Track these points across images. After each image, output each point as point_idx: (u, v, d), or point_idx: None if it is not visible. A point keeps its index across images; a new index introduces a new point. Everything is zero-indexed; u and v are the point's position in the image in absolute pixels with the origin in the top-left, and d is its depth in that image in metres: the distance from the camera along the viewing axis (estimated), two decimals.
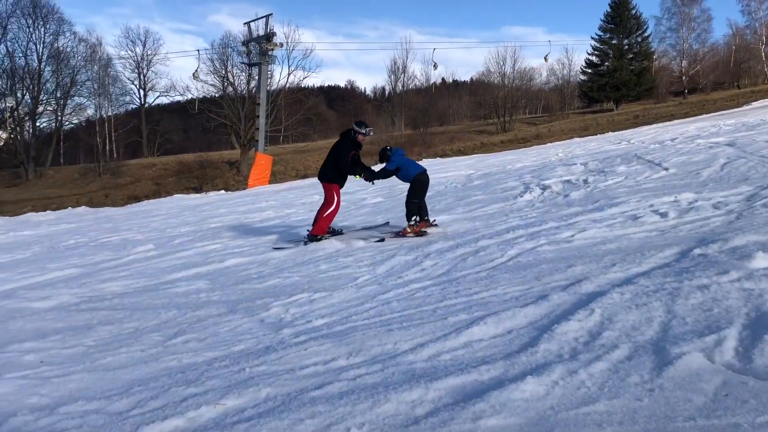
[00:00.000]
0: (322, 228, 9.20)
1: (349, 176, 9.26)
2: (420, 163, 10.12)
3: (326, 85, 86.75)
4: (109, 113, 57.90)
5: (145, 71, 67.20)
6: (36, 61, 52.92)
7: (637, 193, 9.48)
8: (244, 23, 36.70)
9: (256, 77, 40.33)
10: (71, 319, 6.39)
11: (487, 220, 9.19)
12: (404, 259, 7.17)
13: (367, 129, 9.09)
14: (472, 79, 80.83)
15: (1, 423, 3.65)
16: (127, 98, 65.95)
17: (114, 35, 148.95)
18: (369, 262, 7.29)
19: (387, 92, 70.64)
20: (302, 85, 53.90)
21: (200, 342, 4.99)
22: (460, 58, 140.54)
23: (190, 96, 55.60)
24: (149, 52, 66.64)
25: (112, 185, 43.31)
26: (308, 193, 20.46)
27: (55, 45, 53.46)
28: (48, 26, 53.33)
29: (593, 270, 5.30)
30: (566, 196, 10.53)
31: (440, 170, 21.04)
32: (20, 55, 52.58)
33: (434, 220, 9.28)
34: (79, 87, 55.14)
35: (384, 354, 4.06)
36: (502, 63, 60.89)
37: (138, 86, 67.52)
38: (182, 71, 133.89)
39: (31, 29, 52.72)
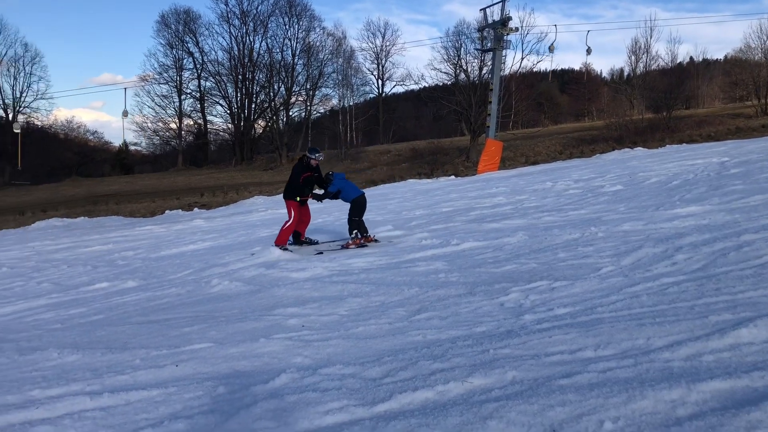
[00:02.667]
0: (282, 239, 10.47)
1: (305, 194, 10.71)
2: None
3: (559, 68, 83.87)
4: (351, 102, 62.17)
5: (383, 62, 70.85)
6: (290, 55, 58.63)
7: None
8: (480, 9, 36.73)
9: (489, 63, 40.42)
10: (325, 289, 7.00)
11: (749, 213, 8.22)
12: (652, 251, 6.70)
13: (318, 154, 10.76)
14: (726, 56, 72.65)
15: (273, 377, 4.11)
16: (367, 88, 70.19)
17: (356, 28, 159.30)
18: (612, 253, 6.93)
19: (626, 74, 66.37)
20: (535, 70, 52.92)
21: (442, 320, 5.16)
22: (711, 34, 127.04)
23: (424, 84, 57.53)
24: (387, 44, 70.09)
25: (352, 170, 46.45)
26: (539, 179, 20.04)
27: (307, 40, 58.77)
28: (301, 23, 58.74)
29: None
30: None
31: (688, 157, 19.29)
32: (277, 50, 58.66)
33: (374, 236, 10.43)
34: (325, 78, 60.00)
35: (635, 349, 3.84)
36: (765, 38, 53.82)
37: (377, 76, 71.44)
38: (417, 61, 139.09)
39: (287, 26, 58.54)
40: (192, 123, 65.52)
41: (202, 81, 62.54)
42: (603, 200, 12.20)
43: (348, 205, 10.37)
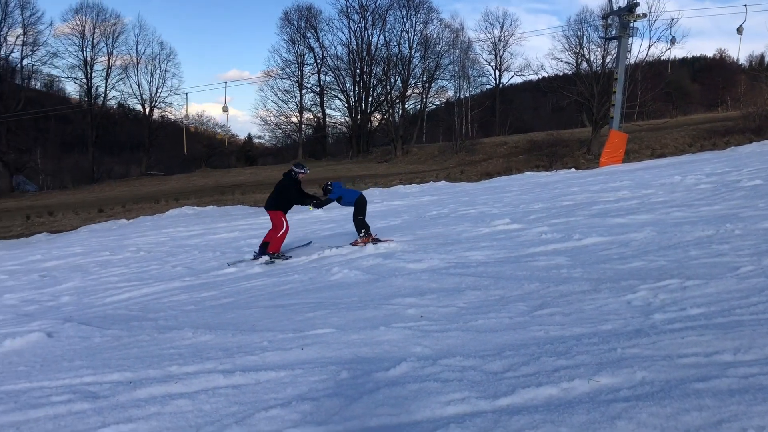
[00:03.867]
0: (277, 246, 10.68)
1: (297, 206, 11.07)
2: None
3: (690, 56, 78.75)
4: (467, 94, 61.65)
5: (501, 52, 69.61)
6: (407, 48, 58.96)
7: None
8: None
9: (613, 52, 38.70)
10: (442, 281, 7.01)
11: None
12: None
13: (305, 169, 10.99)
14: None
15: (394, 365, 4.18)
16: (484, 79, 69.27)
17: (474, 19, 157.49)
18: (751, 252, 6.46)
19: (767, 60, 61.31)
20: (663, 58, 50.02)
21: (566, 316, 5.03)
22: None
23: (543, 74, 56.02)
24: (506, 34, 68.76)
25: (467, 162, 46.12)
26: (667, 173, 18.99)
27: (424, 32, 58.76)
28: (419, 15, 58.85)
29: None
30: None
31: None
32: (395, 43, 59.18)
33: (376, 235, 10.84)
34: (442, 70, 59.79)
35: None
36: None
37: (494, 67, 70.33)
38: (536, 50, 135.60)
39: (404, 19, 58.83)
40: (312, 116, 67.53)
41: (321, 75, 64.26)
42: (739, 195, 11.37)
43: (349, 209, 11.12)
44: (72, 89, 69.60)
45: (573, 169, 31.62)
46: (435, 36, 59.30)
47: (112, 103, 63.90)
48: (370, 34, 60.22)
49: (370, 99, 62.06)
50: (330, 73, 63.29)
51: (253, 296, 7.61)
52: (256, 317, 6.25)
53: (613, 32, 36.88)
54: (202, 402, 3.89)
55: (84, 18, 57.94)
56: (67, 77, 60.93)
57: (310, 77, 65.04)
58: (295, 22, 62.73)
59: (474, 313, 5.44)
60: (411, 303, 6.07)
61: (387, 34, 60.11)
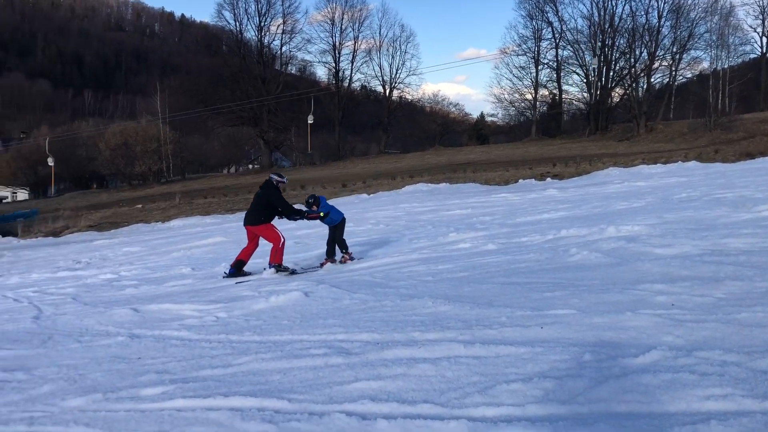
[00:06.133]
0: (279, 258, 9.68)
1: (283, 217, 10.06)
2: None
3: None
4: (725, 65, 55.37)
5: None
6: (656, 17, 54.47)
7: None
8: None
9: None
10: (696, 269, 6.43)
11: None
12: None
13: (285, 177, 10.33)
14: None
15: (643, 353, 3.93)
16: (747, 47, 61.66)
17: None
18: None
19: None
20: None
21: None
22: None
23: None
24: None
25: (723, 140, 41.54)
26: None
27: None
28: None
29: None
30: None
31: None
32: (641, 13, 55.05)
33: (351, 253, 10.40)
34: (696, 40, 54.37)
35: None
36: None
37: (760, 34, 62.24)
38: None
39: None
40: (547, 93, 65.78)
41: (559, 50, 62.20)
42: None
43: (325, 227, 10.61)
44: (322, 73, 75.77)
45: None
46: (689, 2, 53.97)
47: (356, 85, 68.36)
48: (614, 4, 56.75)
49: (611, 73, 58.67)
50: (568, 47, 61.07)
51: (488, 272, 7.67)
52: (493, 292, 6.29)
53: None
54: (444, 369, 4.03)
55: (334, 5, 62.57)
56: (318, 62, 66.56)
57: (546, 52, 63.43)
58: None
59: (735, 305, 4.90)
60: (660, 290, 5.65)
61: (633, 3, 56.17)
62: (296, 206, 10.64)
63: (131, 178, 56.75)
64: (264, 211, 9.85)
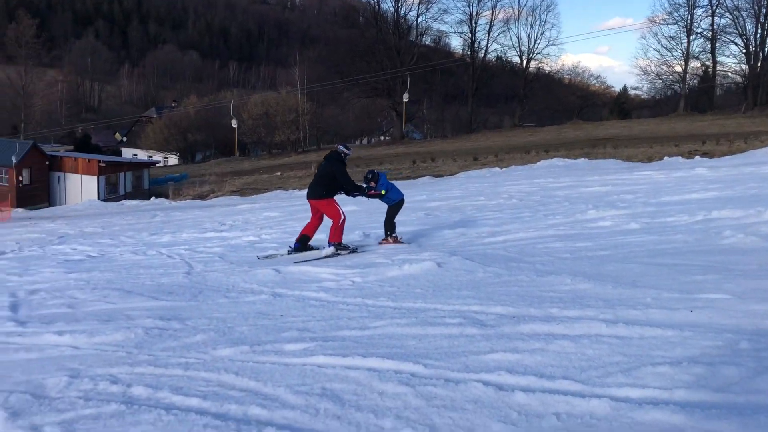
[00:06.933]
0: (339, 236, 9.18)
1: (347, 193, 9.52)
2: None
3: None
4: None
5: None
6: None
7: None
8: None
9: None
10: None
11: None
12: None
13: (351, 149, 9.82)
14: None
15: None
16: None
17: None
18: None
19: None
20: None
21: None
22: None
23: None
24: None
25: None
26: None
27: None
28: None
29: None
30: None
31: None
32: None
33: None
34: None
35: None
36: None
37: None
38: None
39: None
40: (698, 65, 61.13)
41: (716, 19, 57.38)
42: None
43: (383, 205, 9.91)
44: (456, 44, 75.21)
45: None
46: None
47: (492, 56, 67.07)
48: None
49: None
50: (727, 14, 56.11)
51: (631, 251, 7.32)
52: (637, 273, 6.00)
53: None
54: (584, 346, 3.91)
55: None
56: (454, 32, 65.98)
57: (701, 21, 58.75)
58: None
59: None
60: None
61: None
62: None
63: (271, 147, 59.26)
64: (327, 185, 9.28)
